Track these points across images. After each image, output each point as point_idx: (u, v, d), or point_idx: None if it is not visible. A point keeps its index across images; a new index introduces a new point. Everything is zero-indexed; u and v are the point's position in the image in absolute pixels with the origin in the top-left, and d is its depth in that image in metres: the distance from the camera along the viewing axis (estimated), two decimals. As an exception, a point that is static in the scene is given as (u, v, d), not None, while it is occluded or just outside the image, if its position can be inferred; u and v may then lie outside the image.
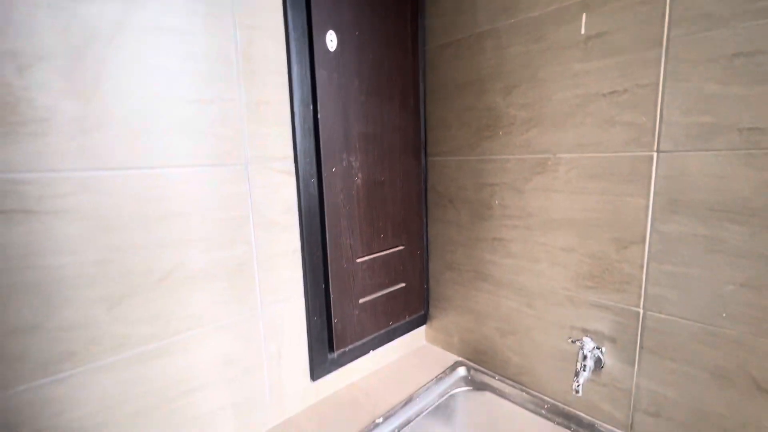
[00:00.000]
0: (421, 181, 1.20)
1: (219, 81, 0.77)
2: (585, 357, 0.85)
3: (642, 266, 0.80)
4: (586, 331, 0.91)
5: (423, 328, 1.33)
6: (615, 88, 0.80)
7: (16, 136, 0.57)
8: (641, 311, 0.82)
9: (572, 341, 0.89)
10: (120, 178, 0.67)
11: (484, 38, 1.00)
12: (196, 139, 0.75)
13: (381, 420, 0.94)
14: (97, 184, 0.65)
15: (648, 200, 0.78)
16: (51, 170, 0.60)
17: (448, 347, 1.27)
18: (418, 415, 0.98)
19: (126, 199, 0.68)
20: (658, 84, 0.74)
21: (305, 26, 0.88)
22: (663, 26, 0.72)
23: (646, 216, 0.79)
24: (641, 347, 0.83)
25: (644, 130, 0.77)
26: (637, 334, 0.83)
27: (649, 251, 0.79)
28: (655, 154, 0.76)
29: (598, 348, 0.87)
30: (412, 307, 1.24)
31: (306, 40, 0.89)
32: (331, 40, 0.92)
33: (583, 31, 0.83)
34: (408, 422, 0.95)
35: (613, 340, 0.87)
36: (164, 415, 0.76)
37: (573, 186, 0.88)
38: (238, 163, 0.81)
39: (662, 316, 0.79)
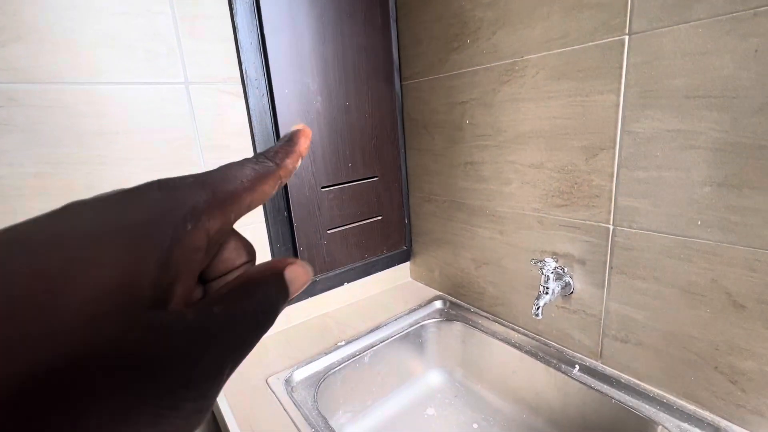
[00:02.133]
0: (395, 108, 1.13)
1: (145, -9, 0.74)
2: (547, 279, 0.78)
3: (612, 175, 0.71)
4: (555, 254, 0.83)
5: (407, 264, 1.30)
6: (583, -38, 0.67)
7: (-67, 46, 0.59)
8: (611, 227, 0.73)
9: (534, 262, 0.82)
10: (50, 93, 0.68)
11: (449, -70, 0.88)
12: (127, 54, 0.74)
13: (343, 343, 0.95)
14: (26, 98, 0.66)
15: (618, 96, 0.67)
16: (-25, 82, 0.62)
17: (430, 283, 1.24)
18: (382, 342, 0.97)
19: (59, 114, 0.69)
20: (630, -54, 0.61)
21: (241, -70, 0.82)
22: None
23: (617, 114, 0.68)
24: (611, 267, 0.75)
25: (615, 9, 0.64)
26: (606, 254, 0.75)
27: (619, 157, 0.69)
28: (626, 38, 0.64)
29: (563, 269, 0.80)
30: (391, 242, 1.21)
31: (244, -54, 0.82)
32: (273, -56, 0.85)
33: None
34: (371, 347, 0.95)
35: (582, 263, 0.79)
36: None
37: (541, 91, 0.78)
38: (177, 81, 0.80)
39: (632, 230, 0.70)
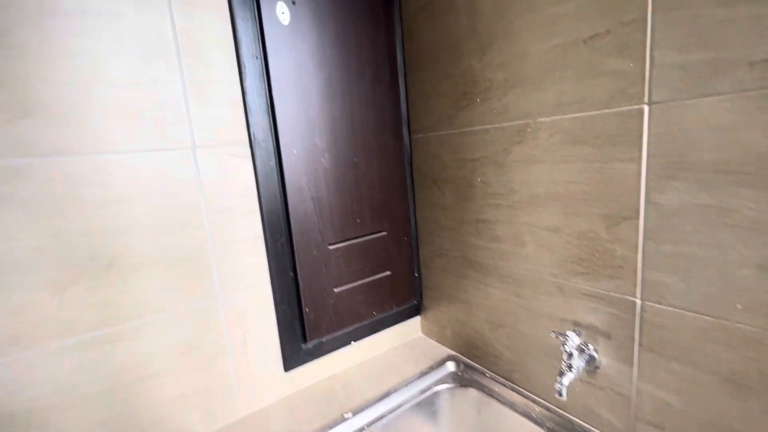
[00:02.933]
0: (404, 161, 1.11)
1: (155, 62, 0.74)
2: (570, 355, 0.72)
3: (636, 246, 0.66)
4: (578, 325, 0.78)
5: (417, 318, 1.25)
6: (596, 31, 0.65)
7: (-58, 126, 0.59)
8: (638, 301, 0.67)
9: (555, 335, 0.76)
10: (55, 165, 0.67)
11: (456, -6, 0.89)
12: (135, 123, 0.73)
13: (350, 415, 0.89)
14: (30, 172, 0.65)
15: (640, 165, 0.63)
16: (-20, 159, 0.62)
17: (441, 340, 1.17)
18: (392, 412, 0.91)
19: (63, 186, 0.68)
20: (645, 18, 0.59)
21: (252, 0, 0.83)
22: (649, -57, 0.57)
23: (639, 184, 0.64)
24: (640, 345, 0.69)
25: (632, 78, 0.62)
26: (634, 329, 0.69)
27: (644, 228, 0.65)
28: (645, 107, 0.61)
29: (586, 345, 0.74)
30: (400, 297, 1.16)
31: (254, 14, 0.84)
32: (283, 12, 0.86)
33: (557, -33, 0.69)
34: (380, 418, 0.89)
35: (607, 336, 0.73)
36: (121, 399, 0.77)
37: (555, 154, 0.75)
38: (184, 147, 0.79)
39: (663, 307, 0.64)
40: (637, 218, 0.65)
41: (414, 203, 1.15)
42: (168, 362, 0.81)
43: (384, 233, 1.09)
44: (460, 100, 0.93)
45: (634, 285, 0.67)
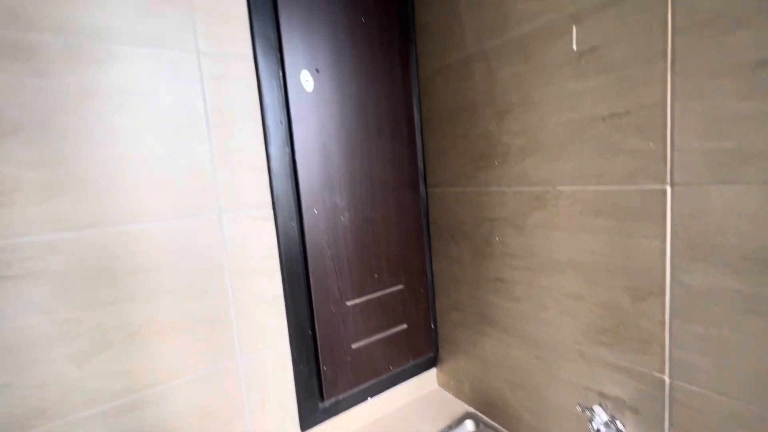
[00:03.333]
0: (420, 215, 1.13)
1: (187, 134, 0.77)
2: (598, 431, 0.71)
3: (663, 323, 0.65)
4: (603, 396, 0.76)
5: (434, 370, 1.23)
6: (615, 110, 0.67)
7: (-14, 207, 0.62)
8: (667, 379, 0.66)
9: (581, 409, 0.75)
10: (88, 238, 0.69)
11: (473, 61, 0.92)
12: (166, 192, 0.76)
13: (369, 482, 0.86)
14: (64, 246, 0.67)
15: (664, 243, 0.64)
16: (18, 236, 0.64)
17: (459, 394, 1.15)
18: (412, 478, 0.88)
19: (94, 257, 0.70)
20: (665, 103, 0.61)
21: (278, 69, 0.87)
22: (666, 34, 0.60)
23: (664, 262, 0.64)
24: (671, 424, 0.67)
25: (653, 158, 0.63)
26: (664, 408, 0.67)
27: (670, 306, 0.64)
28: (668, 188, 0.62)
29: (613, 420, 0.72)
30: (417, 350, 1.15)
31: (280, 83, 0.88)
32: (307, 80, 0.90)
33: (575, 47, 0.71)
34: (399, 486, 0.86)
35: (635, 411, 0.71)
36: (139, 469, 0.76)
37: (576, 223, 0.76)
38: (211, 212, 0.81)
39: (694, 388, 0.63)
40: (663, 295, 0.65)
41: (430, 255, 1.16)
42: (189, 427, 0.81)
43: (401, 287, 1.09)
44: (477, 160, 0.95)
45: (663, 362, 0.66)
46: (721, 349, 0.59)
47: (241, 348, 0.86)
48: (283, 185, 0.89)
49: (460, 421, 1.05)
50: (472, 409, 1.10)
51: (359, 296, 1.01)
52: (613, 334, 0.73)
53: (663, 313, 0.65)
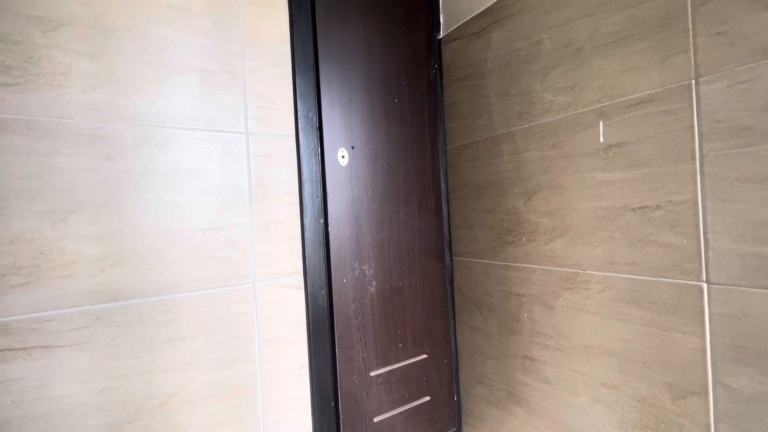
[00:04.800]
0: (446, 283, 1.13)
1: (231, 208, 0.82)
2: None
3: (708, 426, 0.62)
4: (645, 499, 0.71)
5: (456, 446, 1.17)
6: (645, 203, 0.69)
7: (46, 280, 0.66)
8: (716, 489, 0.62)
9: None
10: (133, 307, 0.72)
11: (501, 141, 0.97)
12: (206, 263, 0.80)
13: None
14: (111, 316, 0.71)
15: (704, 341, 0.62)
16: (71, 306, 0.68)
17: (483, 477, 1.09)
18: None
19: (136, 326, 0.73)
20: (696, 202, 0.63)
21: (317, 147, 0.93)
22: (693, 138, 0.63)
23: (705, 360, 0.62)
24: None
25: (687, 254, 0.64)
26: None
27: (714, 408, 0.62)
28: (704, 285, 0.62)
29: None
30: (439, 424, 1.11)
31: (318, 159, 0.93)
32: (343, 156, 0.96)
33: (601, 140, 0.75)
34: None
35: None
36: None
37: (609, 309, 0.75)
38: (246, 282, 0.84)
39: (747, 503, 0.59)
40: (706, 396, 0.62)
41: (455, 324, 1.15)
42: (204, 506, 0.78)
43: (425, 356, 1.08)
44: (504, 235, 0.97)
45: (710, 469, 0.63)
46: (775, 464, 0.56)
47: (264, 420, 0.85)
48: (315, 255, 0.92)
49: None
50: (498, 496, 1.03)
51: (383, 366, 1.00)
52: (654, 431, 0.69)
53: (707, 416, 0.62)
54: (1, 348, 0.63)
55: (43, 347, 0.65)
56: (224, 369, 0.81)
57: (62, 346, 0.67)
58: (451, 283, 1.15)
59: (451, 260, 1.15)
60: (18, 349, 0.64)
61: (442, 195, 1.14)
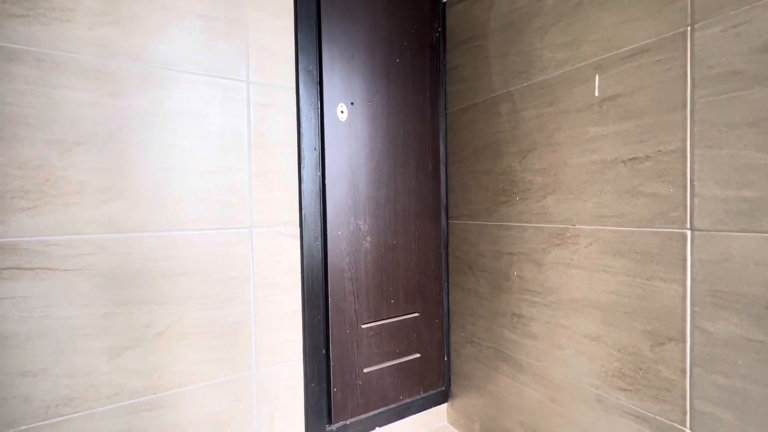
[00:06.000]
0: (440, 245, 1.15)
1: (230, 153, 0.85)
2: (613, 482, 0.67)
3: (684, 371, 0.64)
4: (620, 446, 0.73)
5: (444, 406, 1.20)
6: (635, 155, 0.69)
7: (52, 206, 0.69)
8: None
9: (596, 457, 0.72)
10: (133, 240, 0.76)
11: (500, 102, 0.97)
12: (205, 205, 0.83)
13: None
14: (113, 246, 0.74)
15: (685, 288, 0.63)
16: (76, 233, 0.71)
17: (469, 434, 1.12)
18: None
19: (137, 259, 0.76)
20: (684, 150, 0.63)
21: (317, 101, 0.95)
22: (685, 86, 0.63)
23: (684, 307, 0.63)
24: (692, 482, 0.63)
25: (673, 203, 0.64)
26: (685, 463, 0.64)
27: (691, 353, 0.63)
28: (688, 232, 0.63)
29: (631, 472, 0.69)
30: (428, 382, 1.14)
31: (317, 113, 0.95)
32: (342, 111, 0.97)
33: (596, 93, 0.75)
34: None
35: (654, 465, 0.68)
36: (149, 471, 0.78)
37: (595, 262, 0.76)
38: (243, 226, 0.87)
39: (716, 443, 0.60)
40: (684, 341, 0.64)
41: (448, 286, 1.17)
42: (198, 434, 0.83)
43: (416, 314, 1.10)
44: (499, 195, 0.98)
45: (684, 413, 0.64)
46: (744, 403, 0.57)
47: (257, 360, 0.89)
48: (312, 206, 0.95)
49: (468, 462, 1.01)
50: (482, 451, 1.06)
51: (375, 320, 1.03)
52: (632, 379, 0.71)
53: (683, 361, 0.64)
54: (9, 266, 0.67)
55: (48, 269, 0.69)
56: (220, 307, 0.84)
57: (67, 270, 0.71)
58: (446, 246, 1.16)
59: (447, 223, 1.16)
60: (26, 269, 0.68)
61: (441, 159, 1.15)
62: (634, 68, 0.69)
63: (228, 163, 0.85)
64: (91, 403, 0.73)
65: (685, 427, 0.64)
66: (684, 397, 0.64)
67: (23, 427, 0.68)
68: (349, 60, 0.98)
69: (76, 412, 0.72)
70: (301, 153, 0.93)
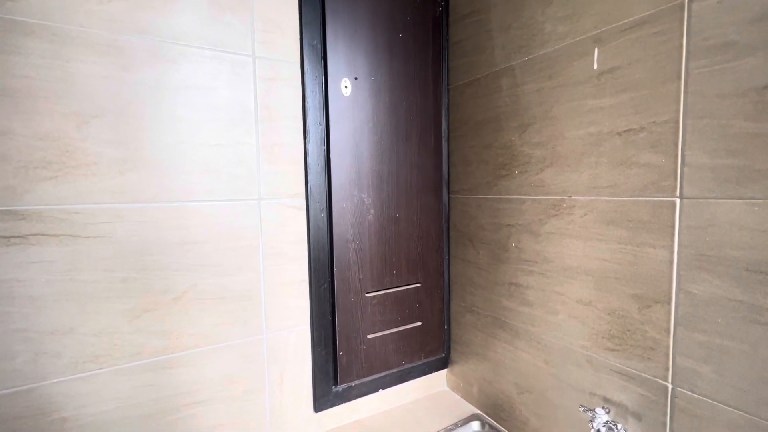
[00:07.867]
0: (441, 218, 1.18)
1: (238, 127, 0.88)
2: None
3: (668, 331, 0.68)
4: (607, 401, 0.78)
5: (444, 372, 1.26)
6: (630, 126, 0.72)
7: (72, 177, 0.73)
8: (670, 386, 0.68)
9: (583, 410, 0.77)
10: (149, 210, 0.80)
11: (501, 76, 0.98)
12: (214, 177, 0.86)
13: (374, 464, 0.91)
14: (130, 215, 0.78)
15: (672, 253, 0.67)
16: (95, 203, 0.75)
17: (467, 396, 1.18)
18: (415, 467, 0.92)
19: (152, 227, 0.80)
20: (677, 121, 0.65)
21: (321, 76, 0.97)
22: (680, 58, 0.64)
23: (671, 271, 0.67)
24: (672, 431, 0.68)
25: (664, 172, 0.67)
26: (666, 414, 0.69)
27: (675, 313, 0.67)
28: (677, 200, 0.66)
29: (615, 424, 0.74)
30: (429, 348, 1.19)
31: (321, 88, 0.97)
32: (346, 86, 0.99)
33: (595, 66, 0.77)
34: (402, 472, 0.90)
35: (638, 417, 0.73)
36: (169, 423, 0.85)
37: (589, 231, 0.80)
38: (251, 198, 0.90)
39: (695, 396, 0.65)
40: (669, 303, 0.67)
41: (449, 258, 1.21)
42: (213, 392, 0.89)
43: (418, 285, 1.15)
44: (499, 169, 1.00)
45: (666, 369, 0.68)
46: (722, 358, 0.61)
47: (267, 324, 0.94)
48: (317, 179, 0.98)
49: (466, 421, 1.08)
50: (479, 411, 1.12)
51: (378, 289, 1.08)
52: (620, 340, 0.75)
53: (668, 321, 0.68)
54: (36, 233, 0.71)
55: (71, 236, 0.74)
56: (231, 275, 0.89)
57: (88, 237, 0.75)
58: (447, 219, 1.20)
59: (449, 198, 1.19)
60: (50, 235, 0.72)
61: (443, 134, 1.17)
62: (632, 41, 0.70)
63: (236, 136, 0.88)
64: (115, 360, 0.79)
65: (667, 382, 0.68)
66: (667, 355, 0.68)
67: (55, 380, 0.74)
68: (353, 35, 0.99)
69: (102, 368, 0.78)
70: (307, 127, 0.96)
